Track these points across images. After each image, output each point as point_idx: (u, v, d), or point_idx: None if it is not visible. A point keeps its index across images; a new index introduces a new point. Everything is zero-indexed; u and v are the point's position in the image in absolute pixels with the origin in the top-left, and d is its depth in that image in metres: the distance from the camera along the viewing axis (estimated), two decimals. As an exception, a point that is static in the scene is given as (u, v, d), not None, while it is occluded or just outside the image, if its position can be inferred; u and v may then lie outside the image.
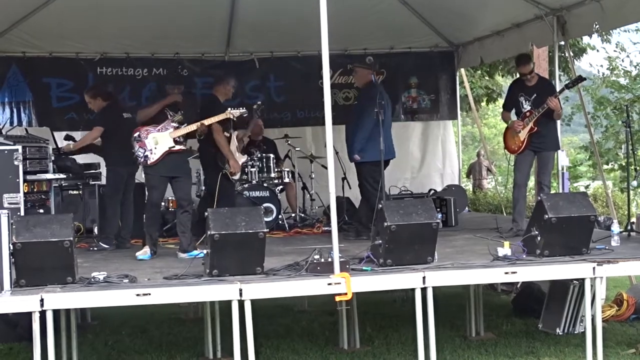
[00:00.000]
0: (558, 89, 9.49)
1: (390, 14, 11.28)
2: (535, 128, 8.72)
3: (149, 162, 8.01)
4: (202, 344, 7.38)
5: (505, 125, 9.36)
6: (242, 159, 9.55)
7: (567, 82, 10.44)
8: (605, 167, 18.61)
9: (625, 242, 7.72)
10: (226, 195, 9.27)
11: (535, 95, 8.80)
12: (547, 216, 6.70)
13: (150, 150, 7.99)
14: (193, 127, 8.07)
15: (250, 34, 11.88)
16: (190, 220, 8.17)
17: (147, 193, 8.36)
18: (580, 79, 9.33)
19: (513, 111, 9.17)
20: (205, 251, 7.37)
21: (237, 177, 9.52)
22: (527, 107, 8.83)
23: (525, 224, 7.90)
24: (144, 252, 7.93)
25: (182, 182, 8.16)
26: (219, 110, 9.11)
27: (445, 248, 7.53)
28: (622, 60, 20.73)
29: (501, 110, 10.23)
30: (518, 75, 9.23)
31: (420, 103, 13.12)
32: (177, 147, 8.04)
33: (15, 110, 11.75)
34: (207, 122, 8.14)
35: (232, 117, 8.32)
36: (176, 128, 8.05)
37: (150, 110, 8.21)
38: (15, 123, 11.49)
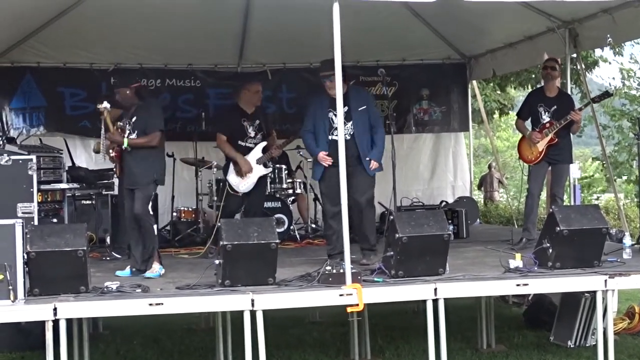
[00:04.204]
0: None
1: (402, 26, 11.30)
2: (556, 139, 8.72)
3: (115, 176, 7.86)
4: (214, 354, 7.40)
5: (519, 135, 9.34)
6: (257, 171, 8.93)
7: (579, 95, 10.45)
8: (618, 179, 18.60)
9: (637, 255, 7.68)
10: (228, 211, 8.89)
11: (555, 107, 8.79)
12: (558, 228, 6.70)
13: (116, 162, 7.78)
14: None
15: (263, 46, 11.93)
16: (147, 237, 7.45)
17: None
18: (608, 94, 9.31)
19: (528, 120, 9.16)
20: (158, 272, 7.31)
21: (243, 188, 8.90)
22: (546, 118, 8.81)
23: (536, 234, 7.89)
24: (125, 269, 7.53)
25: (135, 194, 7.48)
26: (227, 119, 9.06)
27: (456, 260, 7.53)
28: (635, 72, 20.76)
29: (514, 120, 10.21)
30: (541, 69, 9.15)
31: (431, 115, 13.11)
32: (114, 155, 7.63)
33: (28, 116, 11.80)
34: (111, 128, 7.49)
35: (101, 109, 7.46)
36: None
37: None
38: (29, 129, 11.56)
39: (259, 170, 8.98)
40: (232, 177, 8.95)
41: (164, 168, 7.81)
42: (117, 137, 7.49)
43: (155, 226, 7.51)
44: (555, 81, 8.97)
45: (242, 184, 8.92)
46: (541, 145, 8.77)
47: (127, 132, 7.49)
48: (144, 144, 7.49)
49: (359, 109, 7.79)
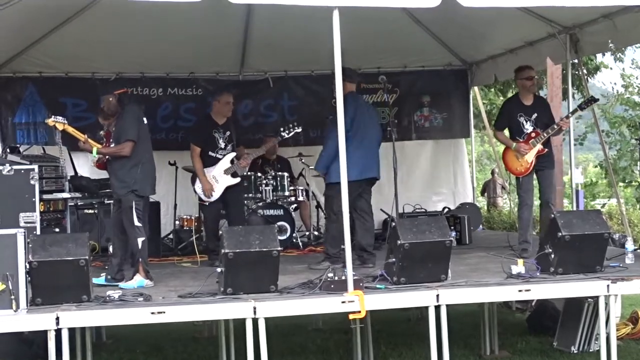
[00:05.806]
0: (571, 107, 9.50)
1: (403, 33, 11.32)
2: (545, 150, 8.65)
3: None
4: (217, 362, 7.41)
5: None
6: (224, 181, 8.99)
7: (580, 101, 10.42)
8: (620, 184, 18.58)
9: (640, 260, 7.70)
10: (207, 220, 9.18)
11: (535, 114, 8.68)
12: (560, 234, 6.69)
13: None
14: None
15: (264, 54, 11.94)
16: (132, 248, 7.37)
17: None
18: (593, 99, 9.29)
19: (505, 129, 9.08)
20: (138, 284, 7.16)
21: (211, 199, 8.96)
22: (529, 127, 8.67)
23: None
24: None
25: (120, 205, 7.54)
26: (199, 130, 9.26)
27: (459, 266, 7.52)
28: (637, 78, 20.78)
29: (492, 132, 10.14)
30: (517, 86, 9.06)
31: (432, 121, 13.08)
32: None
33: (32, 130, 11.81)
34: (83, 138, 7.51)
35: (50, 123, 7.53)
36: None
37: None
38: (32, 143, 11.56)
39: (226, 181, 9.01)
40: (198, 187, 9.06)
41: (149, 178, 7.60)
42: (86, 146, 7.51)
43: (141, 239, 7.31)
44: (532, 83, 8.90)
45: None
46: (530, 157, 8.60)
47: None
48: (112, 153, 7.49)
49: (329, 118, 7.84)
